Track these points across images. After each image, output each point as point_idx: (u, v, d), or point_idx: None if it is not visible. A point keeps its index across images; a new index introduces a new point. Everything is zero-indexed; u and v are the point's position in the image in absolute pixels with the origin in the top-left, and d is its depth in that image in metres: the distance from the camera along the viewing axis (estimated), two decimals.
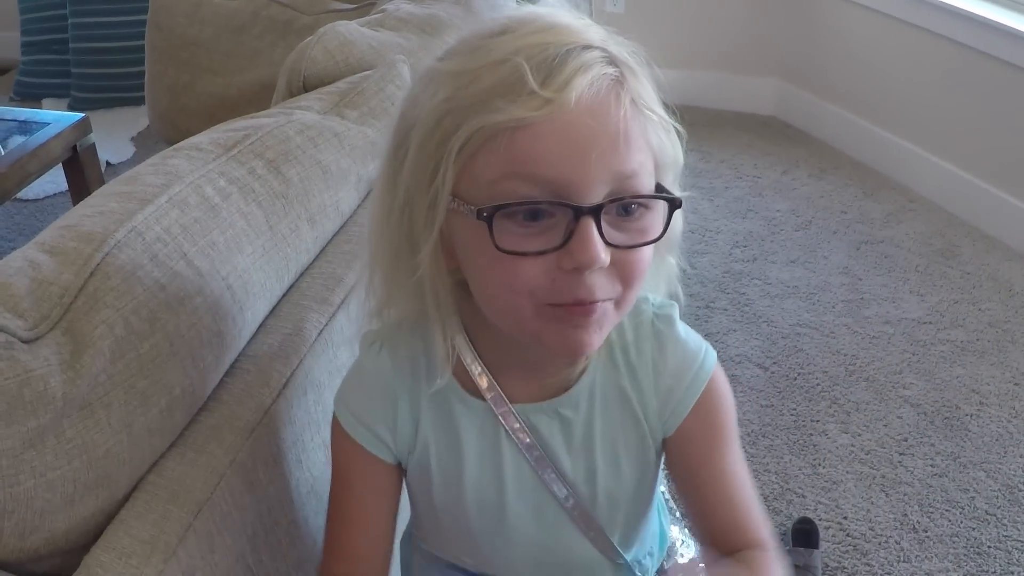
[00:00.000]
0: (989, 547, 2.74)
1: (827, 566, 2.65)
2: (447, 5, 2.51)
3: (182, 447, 1.27)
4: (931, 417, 3.23)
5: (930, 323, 3.72)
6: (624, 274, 1.07)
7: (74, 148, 3.57)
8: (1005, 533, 2.79)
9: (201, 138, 1.54)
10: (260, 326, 1.46)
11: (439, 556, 1.46)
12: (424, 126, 1.07)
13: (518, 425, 1.25)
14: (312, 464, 1.50)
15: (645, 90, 1.08)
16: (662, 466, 1.36)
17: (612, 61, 1.06)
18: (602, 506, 1.32)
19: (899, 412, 3.25)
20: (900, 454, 3.07)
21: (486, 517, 1.33)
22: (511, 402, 1.25)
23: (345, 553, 1.36)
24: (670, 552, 1.58)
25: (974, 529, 2.80)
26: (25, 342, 1.08)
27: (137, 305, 1.18)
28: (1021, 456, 3.07)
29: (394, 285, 1.19)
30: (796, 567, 2.60)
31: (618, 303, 1.10)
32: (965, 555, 2.71)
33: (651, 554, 1.46)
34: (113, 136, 4.85)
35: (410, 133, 1.10)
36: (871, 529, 2.79)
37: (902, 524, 2.81)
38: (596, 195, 1.03)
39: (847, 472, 2.99)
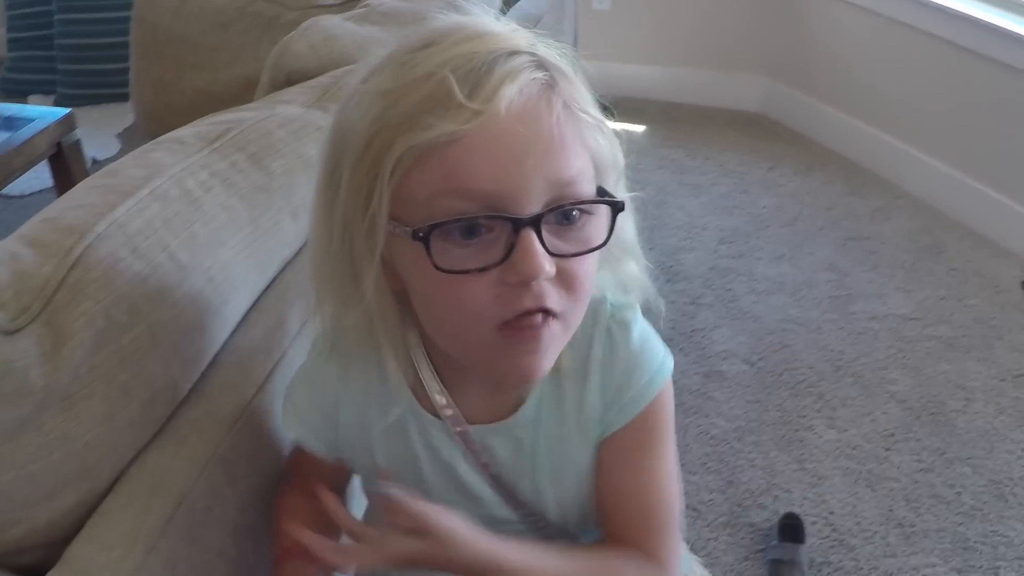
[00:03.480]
0: (975, 542, 2.75)
1: (813, 561, 2.66)
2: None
3: (164, 440, 1.27)
4: (917, 413, 3.24)
5: (916, 319, 3.73)
6: (569, 285, 1.05)
7: (59, 144, 3.56)
8: (991, 528, 2.80)
9: (183, 131, 1.54)
10: (242, 319, 1.46)
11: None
12: (355, 149, 1.05)
13: (475, 447, 1.24)
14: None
15: (578, 92, 1.06)
16: None
17: (541, 65, 1.04)
18: (555, 517, 1.31)
19: (885, 408, 3.26)
20: (886, 449, 3.08)
21: None
22: (468, 423, 1.24)
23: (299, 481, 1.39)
24: None
25: (960, 524, 2.81)
26: (5, 333, 1.08)
27: (118, 297, 1.17)
28: (1007, 452, 3.08)
29: (342, 316, 1.16)
30: (782, 562, 2.61)
31: (567, 321, 1.08)
32: (951, 550, 2.72)
33: None
34: (99, 132, 4.84)
35: (342, 158, 1.07)
36: (857, 524, 2.79)
37: (888, 519, 2.82)
38: (534, 205, 1.01)
39: (833, 467, 2.99)
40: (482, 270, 1.01)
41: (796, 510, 2.80)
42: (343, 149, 1.07)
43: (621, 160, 1.12)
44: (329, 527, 1.28)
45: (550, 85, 1.03)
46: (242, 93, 1.97)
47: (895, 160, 4.75)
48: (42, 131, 3.47)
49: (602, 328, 1.22)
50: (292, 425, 1.32)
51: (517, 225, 1.00)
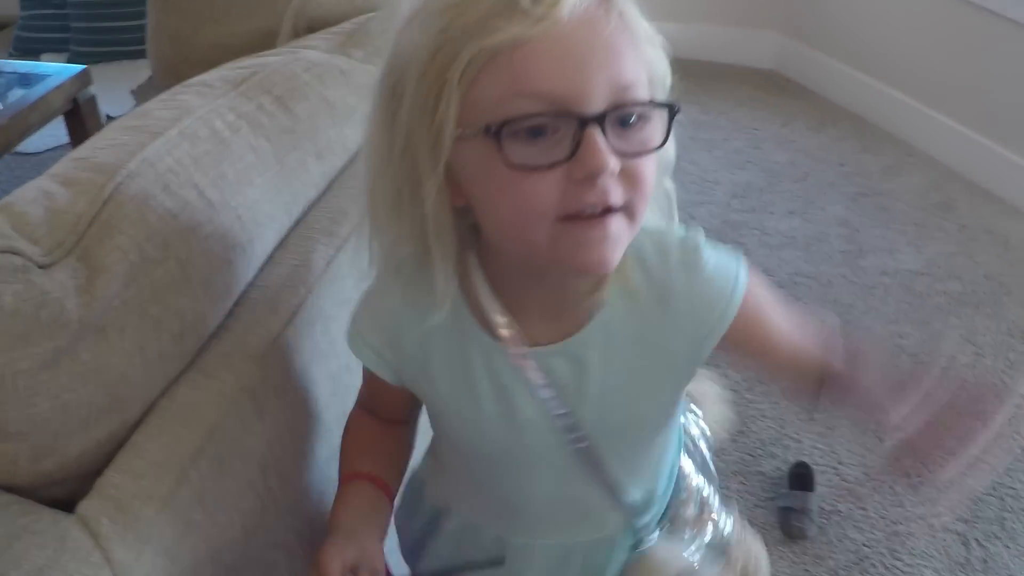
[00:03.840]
0: (983, 494, 2.78)
1: (822, 509, 2.68)
2: None
3: (193, 373, 1.29)
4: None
5: (927, 274, 3.74)
6: (632, 183, 1.07)
7: (75, 100, 3.57)
8: (998, 480, 2.83)
9: (210, 75, 1.56)
10: (269, 257, 1.48)
11: (443, 513, 1.50)
12: (420, 61, 1.07)
13: (534, 367, 1.25)
14: (319, 395, 1.51)
15: (634, 8, 1.10)
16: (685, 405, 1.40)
17: None
18: (609, 444, 1.33)
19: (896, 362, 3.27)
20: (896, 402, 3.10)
21: (501, 454, 1.35)
22: (529, 345, 1.26)
23: (369, 406, 1.47)
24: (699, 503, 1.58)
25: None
26: (41, 267, 1.10)
27: (150, 233, 1.19)
28: (1015, 406, 3.09)
29: (396, 223, 1.18)
30: (792, 510, 2.63)
31: (629, 214, 1.10)
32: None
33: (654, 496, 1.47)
34: (113, 89, 4.84)
35: (405, 73, 1.09)
36: (866, 474, 2.81)
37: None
38: (597, 105, 1.03)
39: (842, 418, 3.01)
40: (551, 166, 1.03)
41: (806, 459, 2.82)
42: (407, 63, 1.09)
43: (669, 74, 1.15)
44: (388, 454, 1.44)
45: None
46: (260, 46, 1.98)
47: (907, 117, 4.75)
48: (57, 87, 3.49)
49: (676, 259, 1.25)
50: (358, 349, 1.34)
51: (582, 123, 1.02)
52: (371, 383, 1.43)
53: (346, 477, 1.40)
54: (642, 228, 1.15)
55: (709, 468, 1.63)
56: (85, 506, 1.12)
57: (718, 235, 3.87)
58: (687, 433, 1.60)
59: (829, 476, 2.80)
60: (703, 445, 1.64)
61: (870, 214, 4.14)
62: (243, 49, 1.84)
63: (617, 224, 1.08)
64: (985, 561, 2.61)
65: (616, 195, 1.06)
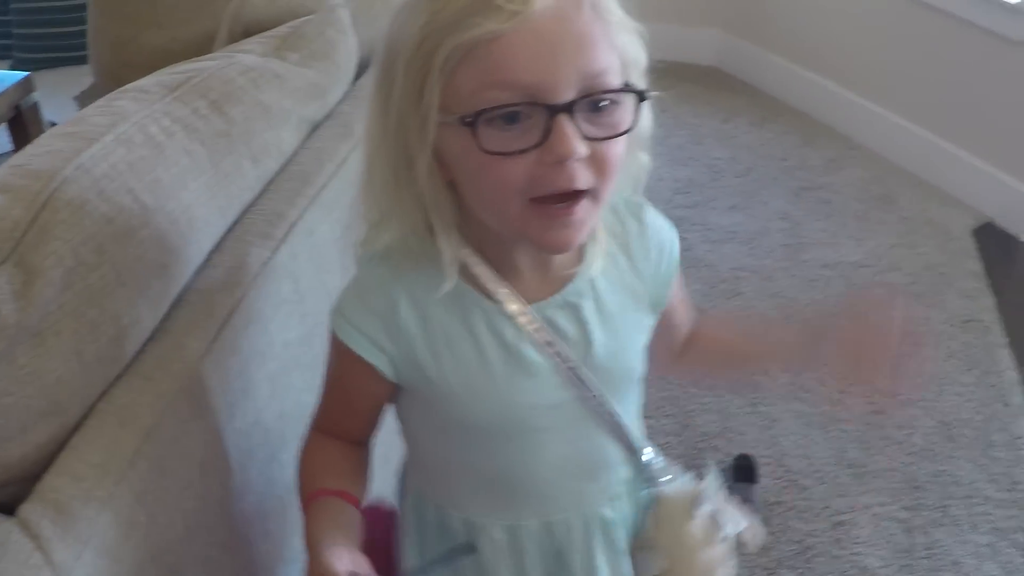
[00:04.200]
0: (925, 481, 2.82)
1: (766, 501, 2.71)
2: None
3: (131, 376, 1.30)
4: None
5: (868, 266, 3.79)
6: (600, 166, 1.16)
7: (17, 107, 3.55)
8: (940, 468, 2.87)
9: (146, 81, 1.57)
10: (205, 260, 1.49)
11: (433, 500, 1.50)
12: (408, 51, 1.15)
13: (536, 324, 1.31)
14: (258, 395, 1.53)
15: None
16: None
17: None
18: (612, 393, 1.38)
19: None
20: (839, 392, 3.13)
21: (513, 423, 1.37)
22: (526, 302, 1.32)
23: (331, 427, 1.44)
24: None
25: (910, 464, 2.88)
26: None
27: (86, 237, 1.20)
28: (956, 394, 3.15)
29: (395, 198, 1.25)
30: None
31: (595, 196, 1.18)
32: (902, 489, 2.79)
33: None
34: (56, 96, 4.79)
35: (396, 60, 1.17)
36: (809, 465, 2.86)
37: (840, 460, 2.88)
38: (567, 94, 1.11)
39: (786, 410, 3.05)
40: (522, 152, 1.12)
41: (749, 452, 2.85)
42: (397, 52, 1.17)
43: (643, 58, 1.23)
44: (354, 472, 1.43)
45: None
46: (201, 50, 1.99)
47: (848, 112, 4.80)
48: (0, 95, 3.47)
49: (624, 212, 1.38)
50: (353, 340, 1.33)
51: (553, 111, 1.10)
52: (348, 386, 1.41)
53: (312, 495, 1.37)
54: None
55: None
56: (26, 509, 1.12)
57: None
58: None
59: (773, 468, 2.83)
60: None
61: (812, 208, 4.18)
62: (184, 53, 1.85)
63: (583, 209, 1.17)
64: (929, 548, 2.66)
65: (583, 179, 1.14)
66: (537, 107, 1.11)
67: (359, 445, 1.47)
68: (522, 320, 1.31)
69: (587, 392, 1.35)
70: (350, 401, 1.43)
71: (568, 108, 1.11)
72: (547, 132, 1.11)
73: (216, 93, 1.57)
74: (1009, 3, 3.94)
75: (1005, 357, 3.35)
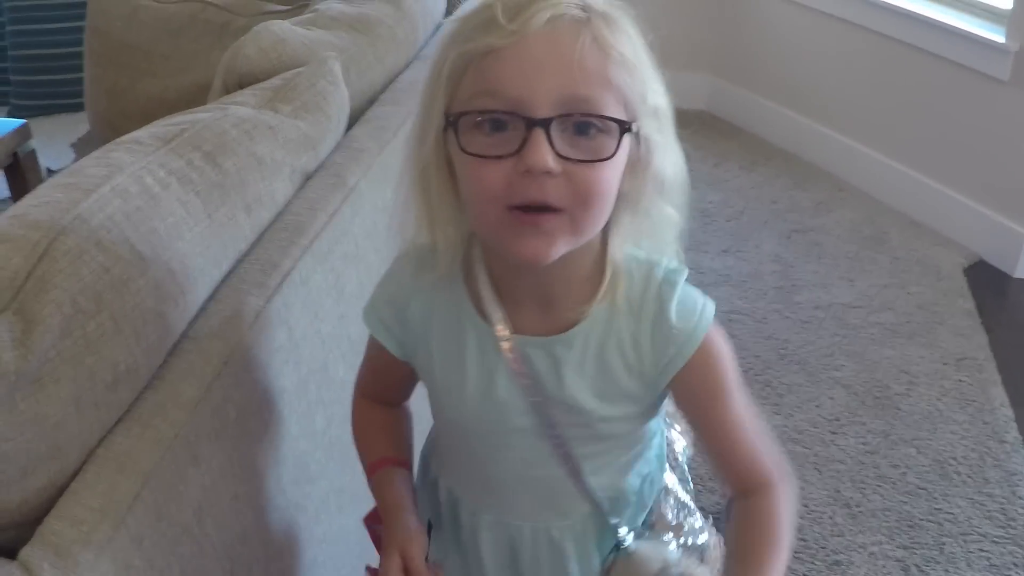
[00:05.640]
0: (921, 519, 2.83)
1: None
2: (377, 4, 2.56)
3: (129, 422, 1.32)
4: (862, 397, 3.31)
5: (860, 307, 3.81)
6: (578, 189, 1.21)
7: (15, 154, 3.56)
8: (936, 506, 2.88)
9: (140, 133, 1.59)
10: (200, 309, 1.51)
11: (437, 481, 1.61)
12: (433, 60, 1.29)
13: (513, 354, 1.38)
14: (253, 441, 1.55)
15: (614, 36, 1.22)
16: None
17: (584, 8, 1.21)
18: (577, 437, 1.42)
19: (831, 393, 3.33)
20: (832, 433, 3.15)
21: (478, 431, 1.47)
22: (516, 332, 1.38)
23: (370, 392, 1.64)
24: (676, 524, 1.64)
25: (906, 503, 2.88)
26: None
27: (83, 287, 1.23)
28: (951, 432, 3.16)
29: (422, 205, 1.35)
30: None
31: (574, 222, 1.24)
32: (897, 528, 2.79)
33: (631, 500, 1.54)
34: (53, 143, 4.80)
35: (429, 69, 1.30)
36: (804, 506, 2.86)
37: (835, 500, 2.89)
38: (547, 110, 1.18)
39: (780, 452, 3.05)
40: (498, 157, 1.20)
41: None
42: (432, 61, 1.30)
43: (662, 105, 1.32)
44: (401, 435, 1.63)
45: (583, 22, 1.20)
46: (194, 99, 2.01)
47: (837, 154, 4.83)
48: None
49: (655, 285, 1.37)
50: (370, 321, 1.52)
51: (531, 124, 1.18)
52: (376, 361, 1.58)
53: (376, 464, 1.58)
54: (636, 255, 1.35)
55: (688, 482, 1.72)
56: (27, 552, 1.14)
57: None
58: (670, 448, 1.68)
59: None
60: (683, 460, 1.73)
61: (803, 250, 4.21)
62: (178, 102, 1.88)
63: (552, 223, 1.22)
64: None
65: (556, 196, 1.20)
66: (518, 118, 1.18)
67: (395, 407, 1.65)
68: (504, 346, 1.38)
69: (548, 427, 1.40)
70: (377, 372, 1.61)
71: (545, 123, 1.17)
72: (524, 143, 1.18)
73: (210, 145, 1.60)
74: (996, 43, 3.97)
75: (999, 394, 3.37)
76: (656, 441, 1.56)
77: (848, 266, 4.10)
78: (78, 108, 4.56)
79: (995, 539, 2.79)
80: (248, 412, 1.53)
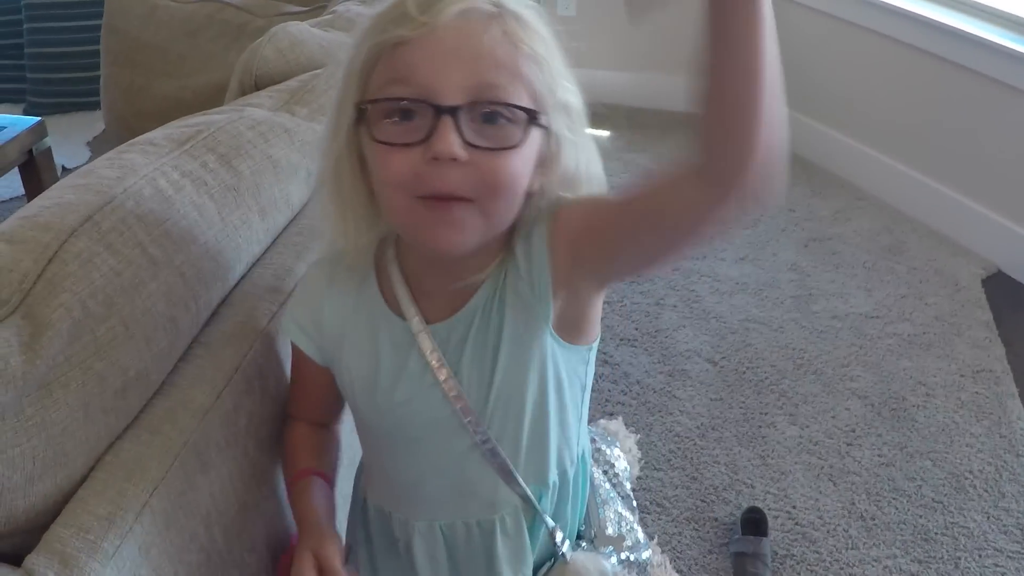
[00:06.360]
0: (936, 533, 2.80)
1: (776, 554, 2.70)
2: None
3: (138, 428, 1.31)
4: (878, 408, 3.28)
5: (877, 317, 3.78)
6: (486, 179, 1.23)
7: (30, 152, 3.57)
8: (951, 520, 2.85)
9: (155, 134, 1.58)
10: (213, 313, 1.50)
11: (366, 501, 1.60)
12: (348, 56, 1.31)
13: (429, 344, 1.38)
14: (263, 450, 1.54)
15: (526, 32, 1.25)
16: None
17: (496, 4, 1.25)
18: (499, 419, 1.41)
19: (847, 404, 3.30)
20: (848, 444, 3.13)
21: (396, 429, 1.46)
22: (428, 322, 1.40)
23: (298, 412, 1.63)
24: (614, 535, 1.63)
25: (921, 516, 2.85)
26: None
27: (94, 290, 1.22)
28: (967, 445, 3.13)
29: (336, 204, 1.37)
30: (746, 555, 2.65)
31: (484, 212, 1.26)
32: (912, 542, 2.77)
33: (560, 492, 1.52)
34: (68, 141, 4.83)
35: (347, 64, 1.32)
36: (819, 518, 2.84)
37: (850, 512, 2.86)
38: (455, 99, 1.21)
39: (795, 463, 3.04)
40: (407, 145, 1.22)
41: (759, 504, 2.84)
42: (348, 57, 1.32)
43: (576, 105, 1.31)
44: (326, 451, 1.62)
45: (495, 17, 1.24)
46: (210, 99, 2.01)
47: (856, 162, 4.80)
48: (13, 139, 3.48)
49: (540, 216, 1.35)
50: (287, 327, 1.52)
51: (439, 111, 1.20)
52: (300, 372, 1.57)
53: (298, 474, 1.55)
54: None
55: (631, 500, 1.73)
56: (32, 560, 1.13)
57: (669, 282, 3.91)
58: (611, 467, 1.72)
59: (783, 521, 2.82)
60: (624, 478, 1.75)
61: (821, 258, 4.18)
62: (194, 102, 1.87)
63: (462, 212, 1.24)
64: None
65: (462, 186, 1.23)
66: (426, 106, 1.21)
67: (324, 427, 1.64)
68: (420, 337, 1.38)
69: (464, 413, 1.40)
70: (304, 385, 1.59)
71: (452, 111, 1.20)
72: (432, 131, 1.20)
73: (225, 147, 1.59)
74: (1018, 53, 3.95)
75: (1016, 407, 3.33)
76: (578, 441, 1.53)
77: (865, 276, 4.07)
78: (94, 106, 4.57)
79: (1011, 554, 2.76)
80: (259, 420, 1.52)
